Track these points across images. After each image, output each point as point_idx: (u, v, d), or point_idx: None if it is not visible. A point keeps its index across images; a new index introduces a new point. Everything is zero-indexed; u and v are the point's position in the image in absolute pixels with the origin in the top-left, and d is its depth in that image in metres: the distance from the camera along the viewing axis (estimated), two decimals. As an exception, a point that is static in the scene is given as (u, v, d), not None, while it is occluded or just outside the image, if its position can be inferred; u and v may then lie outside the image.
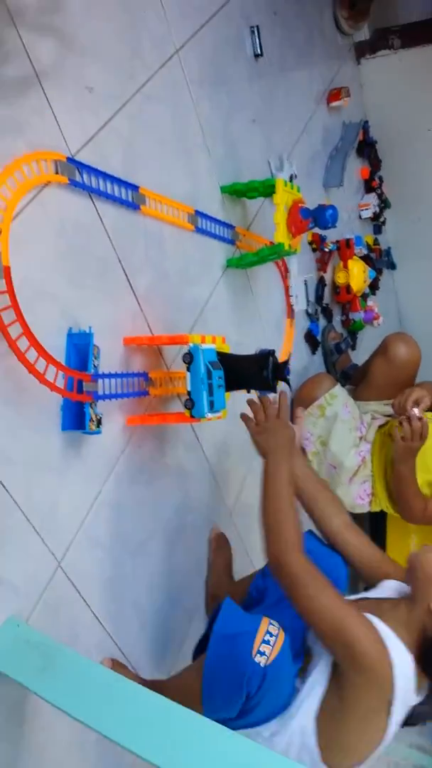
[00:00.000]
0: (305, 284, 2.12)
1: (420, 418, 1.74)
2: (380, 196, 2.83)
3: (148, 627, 1.34)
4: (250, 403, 1.35)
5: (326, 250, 2.28)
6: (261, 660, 1.01)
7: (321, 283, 2.31)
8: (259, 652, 1.01)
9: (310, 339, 2.24)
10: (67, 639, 1.11)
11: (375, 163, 2.80)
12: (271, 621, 1.07)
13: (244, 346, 1.76)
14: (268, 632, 1.04)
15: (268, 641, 1.04)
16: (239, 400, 1.38)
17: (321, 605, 1.14)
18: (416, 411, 1.74)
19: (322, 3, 2.44)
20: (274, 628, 1.06)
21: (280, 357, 1.98)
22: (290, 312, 2.09)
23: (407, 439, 1.76)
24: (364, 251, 2.63)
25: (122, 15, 1.29)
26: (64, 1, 1.13)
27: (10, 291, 0.95)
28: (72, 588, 1.12)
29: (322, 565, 1.16)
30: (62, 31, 1.12)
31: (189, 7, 1.53)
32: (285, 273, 2.03)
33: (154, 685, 1.05)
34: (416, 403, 1.77)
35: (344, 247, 2.36)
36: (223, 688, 1.05)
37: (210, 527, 1.60)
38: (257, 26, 1.82)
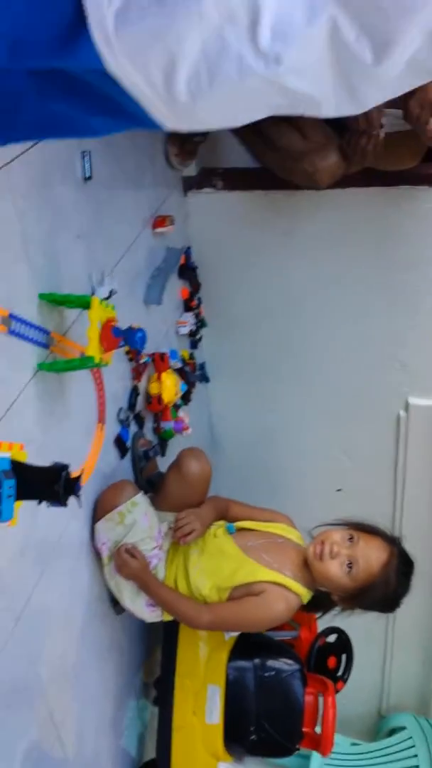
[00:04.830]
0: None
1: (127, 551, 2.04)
2: (197, 315, 3.05)
3: None
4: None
5: (141, 361, 2.40)
6: None
7: (134, 391, 2.41)
8: None
9: (120, 444, 2.30)
10: None
11: (195, 286, 3.02)
12: None
13: (52, 449, 1.78)
14: None
15: None
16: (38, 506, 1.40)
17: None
18: None
19: (155, 136, 2.68)
20: None
21: (86, 462, 2.02)
22: (102, 417, 2.15)
23: None
24: (179, 364, 2.79)
25: None
26: None
27: None
28: None
29: None
30: None
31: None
32: (99, 380, 2.10)
33: None
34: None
35: (159, 361, 2.50)
36: None
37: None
38: (89, 151, 1.96)
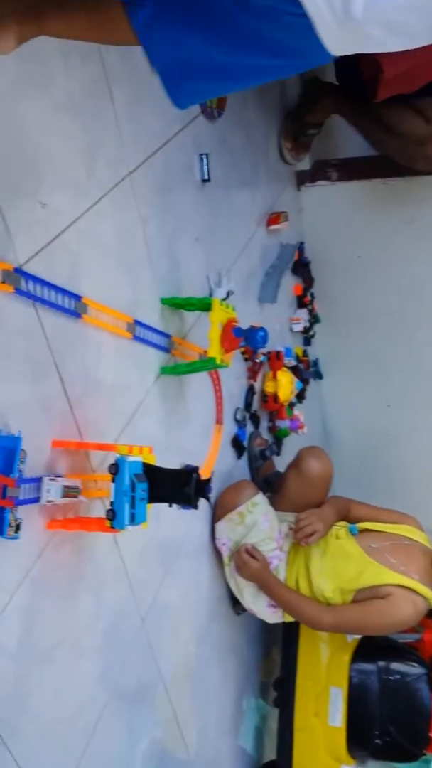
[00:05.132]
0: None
1: (247, 551, 2.01)
2: (311, 311, 3.00)
3: (50, 738, 1.30)
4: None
5: (257, 360, 2.39)
6: None
7: (250, 390, 2.40)
8: None
9: (237, 444, 2.30)
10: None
11: (308, 281, 2.97)
12: None
13: (172, 450, 1.80)
14: None
15: None
16: (163, 509, 1.42)
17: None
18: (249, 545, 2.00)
19: (269, 133, 2.65)
20: None
21: (205, 463, 2.03)
22: (220, 418, 2.16)
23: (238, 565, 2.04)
24: (293, 362, 2.75)
25: (82, 136, 1.38)
26: (24, 126, 1.20)
27: None
28: (-27, 698, 1.09)
29: None
30: (23, 150, 1.20)
31: (145, 134, 1.65)
32: (218, 382, 2.10)
33: None
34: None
35: (274, 359, 2.47)
36: None
37: (120, 633, 1.58)
38: (207, 154, 1.96)
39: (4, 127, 1.15)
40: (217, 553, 2.11)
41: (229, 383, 2.20)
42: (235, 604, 2.20)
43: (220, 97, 2.03)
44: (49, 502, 1.20)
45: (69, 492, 1.22)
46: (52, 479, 1.21)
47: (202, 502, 1.44)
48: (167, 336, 1.76)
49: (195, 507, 1.35)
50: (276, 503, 2.20)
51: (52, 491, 1.20)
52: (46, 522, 1.25)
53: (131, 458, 1.25)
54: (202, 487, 1.34)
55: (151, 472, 1.29)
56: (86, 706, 1.42)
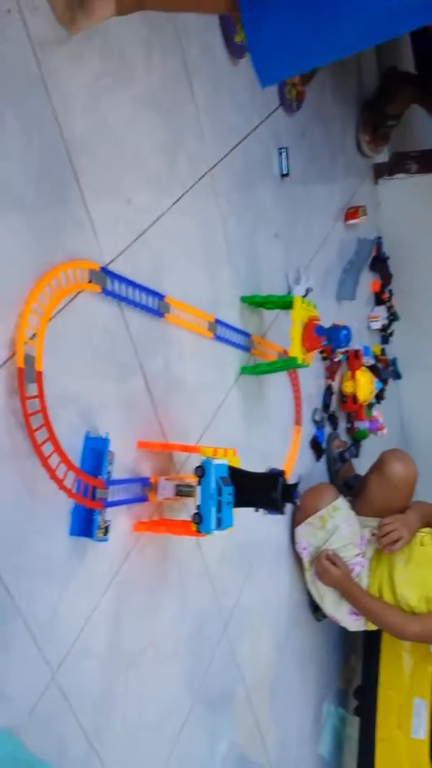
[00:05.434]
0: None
1: (328, 558, 1.95)
2: (389, 309, 2.91)
3: (136, 744, 1.28)
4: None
5: (335, 360, 2.32)
6: None
7: (329, 391, 2.34)
8: None
9: (315, 446, 2.25)
10: (55, 754, 1.06)
11: (386, 278, 2.89)
12: None
13: (253, 451, 1.77)
14: None
15: None
16: (242, 511, 1.39)
17: None
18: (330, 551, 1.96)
19: (347, 126, 2.59)
20: None
21: (285, 465, 1.98)
22: (298, 419, 2.11)
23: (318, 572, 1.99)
24: (372, 361, 2.67)
25: (164, 132, 1.36)
26: (109, 122, 1.19)
27: (41, 396, 0.96)
28: (64, 701, 1.08)
29: None
30: (108, 146, 1.18)
31: (224, 128, 1.62)
32: (296, 382, 2.05)
33: None
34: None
35: (353, 358, 2.41)
36: None
37: (204, 638, 1.55)
38: (286, 148, 1.92)
39: (89, 123, 1.13)
40: (298, 558, 2.06)
41: (307, 383, 2.15)
42: (316, 610, 2.14)
43: (305, 73, 1.93)
44: (165, 499, 1.25)
45: (183, 491, 1.24)
46: (167, 478, 1.24)
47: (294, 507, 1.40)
48: (247, 335, 1.73)
49: (282, 512, 1.30)
50: (357, 508, 2.13)
51: (167, 489, 1.23)
52: (132, 524, 1.23)
53: (217, 461, 1.21)
54: (289, 492, 1.29)
55: (236, 475, 1.26)
56: (172, 711, 1.40)
